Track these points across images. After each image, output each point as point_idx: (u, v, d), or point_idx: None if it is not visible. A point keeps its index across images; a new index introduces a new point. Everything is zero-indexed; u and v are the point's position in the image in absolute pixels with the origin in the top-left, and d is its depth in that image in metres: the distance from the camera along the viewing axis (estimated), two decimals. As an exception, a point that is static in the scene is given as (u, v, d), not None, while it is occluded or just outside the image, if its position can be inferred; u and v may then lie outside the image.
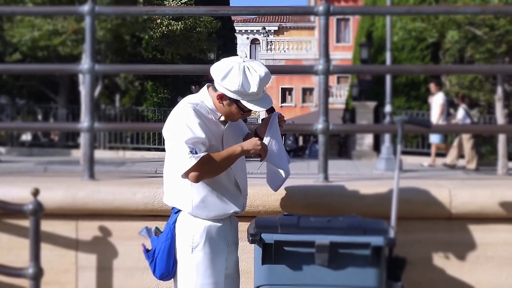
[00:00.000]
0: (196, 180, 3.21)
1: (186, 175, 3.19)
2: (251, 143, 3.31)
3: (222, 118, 3.34)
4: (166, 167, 3.37)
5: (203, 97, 3.33)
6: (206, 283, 3.31)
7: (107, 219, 4.37)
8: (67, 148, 17.76)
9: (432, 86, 14.69)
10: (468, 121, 13.94)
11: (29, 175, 5.66)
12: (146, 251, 3.44)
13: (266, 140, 3.39)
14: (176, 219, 3.36)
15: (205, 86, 3.37)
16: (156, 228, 3.51)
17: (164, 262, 3.34)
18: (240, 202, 3.46)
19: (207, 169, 3.20)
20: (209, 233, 3.32)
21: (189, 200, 3.32)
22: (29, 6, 11.90)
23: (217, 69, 3.20)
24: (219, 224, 3.36)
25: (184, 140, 3.16)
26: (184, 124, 3.19)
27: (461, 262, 4.24)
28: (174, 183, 3.32)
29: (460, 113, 14.25)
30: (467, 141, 13.86)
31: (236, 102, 3.23)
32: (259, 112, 3.55)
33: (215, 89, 3.28)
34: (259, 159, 3.42)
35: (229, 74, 3.17)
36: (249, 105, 3.22)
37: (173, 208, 3.40)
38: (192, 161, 3.14)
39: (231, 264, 3.45)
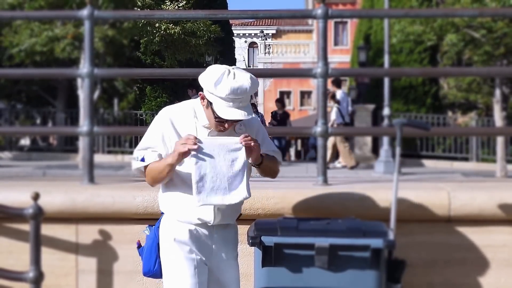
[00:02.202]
0: (149, 184, 3.35)
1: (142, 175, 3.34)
2: (178, 145, 3.12)
3: (207, 124, 3.24)
4: None
5: (197, 101, 3.30)
6: (177, 285, 3.30)
7: (107, 222, 4.38)
8: (66, 152, 17.76)
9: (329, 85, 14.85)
10: (340, 120, 13.86)
11: (28, 180, 5.67)
12: (138, 247, 3.52)
13: (204, 140, 3.14)
14: (160, 220, 3.42)
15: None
16: None
17: (147, 260, 3.41)
18: (209, 214, 3.28)
19: (149, 177, 3.28)
20: (174, 235, 3.30)
21: (164, 200, 3.38)
22: (28, 11, 11.90)
23: (206, 69, 3.19)
24: (192, 228, 3.30)
25: (138, 146, 3.29)
26: (148, 130, 3.30)
27: (460, 264, 4.25)
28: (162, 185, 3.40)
29: (334, 112, 14.17)
30: (341, 143, 13.87)
31: (211, 104, 3.14)
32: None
33: None
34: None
35: (210, 72, 3.13)
36: (216, 109, 3.10)
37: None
38: (136, 164, 3.28)
39: (201, 275, 3.30)
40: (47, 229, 4.29)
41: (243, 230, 3.70)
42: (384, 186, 4.52)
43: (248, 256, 4.02)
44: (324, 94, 4.90)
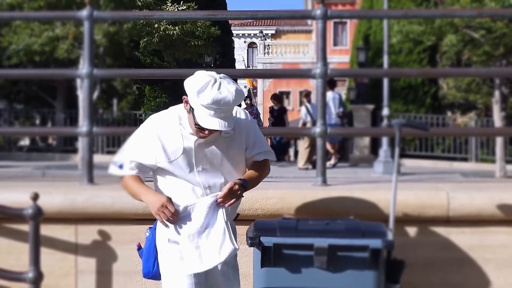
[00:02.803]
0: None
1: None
2: (156, 205, 3.15)
3: (190, 131, 3.20)
4: None
5: (182, 107, 3.26)
6: (174, 285, 3.28)
7: (106, 223, 4.38)
8: (65, 153, 17.78)
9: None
10: (309, 118, 13.96)
11: (27, 180, 5.67)
12: (138, 249, 3.51)
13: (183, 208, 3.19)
14: (157, 220, 3.37)
15: None
16: None
17: (146, 262, 3.41)
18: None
19: (123, 187, 3.34)
20: (173, 237, 3.26)
21: None
22: (27, 11, 11.92)
23: (194, 74, 3.15)
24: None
25: (121, 151, 3.31)
26: (133, 138, 3.29)
27: (459, 265, 4.26)
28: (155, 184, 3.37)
29: (302, 111, 14.36)
30: (303, 143, 14.01)
31: (193, 111, 3.11)
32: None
33: None
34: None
35: (196, 78, 3.09)
36: (197, 116, 3.08)
37: None
38: (113, 170, 3.31)
39: (198, 275, 3.29)
40: (47, 230, 4.29)
41: (242, 230, 3.71)
42: (383, 186, 4.52)
43: (247, 257, 4.03)
44: (323, 94, 4.90)
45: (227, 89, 3.05)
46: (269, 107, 14.64)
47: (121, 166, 3.27)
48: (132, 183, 3.26)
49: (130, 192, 3.31)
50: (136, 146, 3.26)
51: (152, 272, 3.41)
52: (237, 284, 3.46)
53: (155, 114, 3.34)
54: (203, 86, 3.03)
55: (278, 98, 15.23)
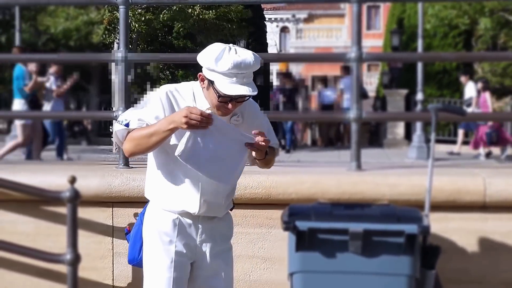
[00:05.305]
0: (126, 153, 3.03)
1: (120, 143, 3.02)
2: (178, 115, 2.82)
3: (208, 109, 2.93)
4: None
5: (196, 84, 3.06)
6: (151, 275, 3.09)
7: (142, 206, 4.40)
8: (100, 137, 17.97)
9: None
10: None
11: (64, 163, 5.75)
12: (126, 233, 3.41)
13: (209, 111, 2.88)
14: (145, 207, 3.22)
15: None
16: None
17: (131, 248, 3.28)
18: (194, 204, 3.02)
19: (131, 144, 2.95)
20: (156, 224, 3.07)
21: (149, 187, 3.15)
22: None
23: (205, 48, 2.96)
24: (175, 218, 3.06)
25: (127, 112, 3.03)
26: (144, 103, 3.02)
27: (496, 251, 4.22)
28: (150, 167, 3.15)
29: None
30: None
31: (212, 83, 2.88)
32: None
33: None
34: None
35: (208, 51, 2.92)
36: (219, 86, 2.84)
37: None
38: (118, 127, 2.96)
39: (179, 269, 3.07)
40: (84, 212, 4.35)
41: (277, 214, 3.73)
42: (418, 171, 4.49)
43: (281, 241, 4.04)
44: (358, 78, 4.87)
45: (245, 52, 2.89)
46: (280, 89, 14.17)
47: (127, 125, 2.95)
48: (141, 129, 2.91)
49: (143, 137, 2.91)
50: (146, 108, 2.97)
51: (137, 259, 3.23)
52: (228, 282, 3.17)
53: (168, 84, 3.09)
54: (219, 54, 2.85)
55: (290, 76, 14.51)
